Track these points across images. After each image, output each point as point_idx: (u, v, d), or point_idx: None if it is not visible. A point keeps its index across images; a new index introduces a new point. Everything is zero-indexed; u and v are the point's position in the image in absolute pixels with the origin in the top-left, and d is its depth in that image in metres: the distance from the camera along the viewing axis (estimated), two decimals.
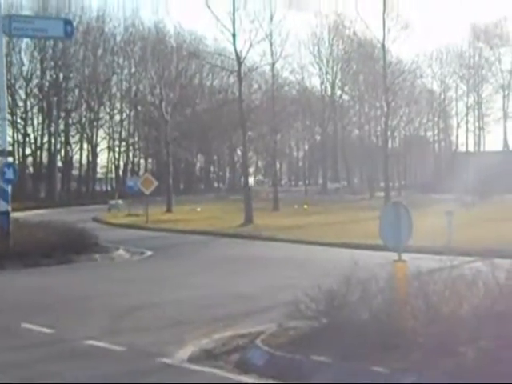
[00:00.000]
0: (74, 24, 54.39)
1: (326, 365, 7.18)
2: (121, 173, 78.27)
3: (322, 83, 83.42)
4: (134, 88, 76.77)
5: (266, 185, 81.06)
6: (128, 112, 78.97)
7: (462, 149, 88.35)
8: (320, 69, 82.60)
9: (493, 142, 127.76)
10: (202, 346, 8.81)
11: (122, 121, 78.44)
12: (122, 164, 79.89)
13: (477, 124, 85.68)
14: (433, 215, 22.60)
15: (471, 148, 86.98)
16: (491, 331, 6.74)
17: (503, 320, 6.76)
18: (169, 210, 45.56)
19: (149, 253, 21.62)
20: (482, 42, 77.49)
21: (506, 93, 76.69)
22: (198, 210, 45.06)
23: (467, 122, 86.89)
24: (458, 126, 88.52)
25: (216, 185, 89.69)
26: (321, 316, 8.31)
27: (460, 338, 6.85)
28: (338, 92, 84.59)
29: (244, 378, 7.41)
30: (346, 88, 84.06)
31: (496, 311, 6.90)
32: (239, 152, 70.35)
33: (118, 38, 75.54)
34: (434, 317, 7.24)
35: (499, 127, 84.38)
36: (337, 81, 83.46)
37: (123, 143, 79.54)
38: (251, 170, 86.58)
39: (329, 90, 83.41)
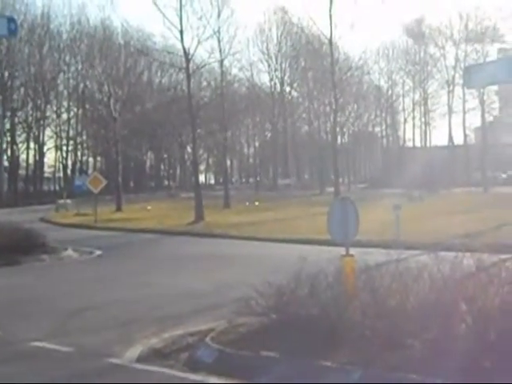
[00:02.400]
0: (19, 22, 53.51)
1: (275, 360, 7.20)
2: (69, 172, 77.23)
3: (271, 80, 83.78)
4: (81, 86, 75.76)
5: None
6: (76, 110, 77.90)
7: (409, 144, 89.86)
8: (269, 65, 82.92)
9: (438, 137, 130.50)
10: (151, 345, 8.76)
11: (69, 119, 77.38)
12: (70, 163, 78.87)
13: (423, 119, 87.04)
14: (381, 209, 22.93)
15: (418, 143, 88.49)
16: (437, 323, 6.86)
17: (448, 311, 6.88)
18: (118, 209, 45.10)
19: (98, 252, 21.38)
20: (426, 38, 78.69)
21: (451, 88, 77.99)
22: (149, 208, 44.73)
23: (414, 118, 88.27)
24: (405, 121, 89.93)
25: (166, 183, 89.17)
26: (270, 312, 8.34)
27: (407, 331, 6.94)
28: (287, 88, 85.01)
29: (193, 377, 7.37)
30: (295, 85, 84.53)
31: (441, 303, 7.01)
32: (189, 149, 70.02)
33: (64, 36, 74.57)
34: (381, 310, 7.32)
35: (444, 122, 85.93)
36: (286, 77, 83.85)
37: (71, 142, 78.47)
38: (202, 167, 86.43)
39: (278, 86, 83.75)
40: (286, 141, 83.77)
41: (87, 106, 74.27)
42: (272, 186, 79.81)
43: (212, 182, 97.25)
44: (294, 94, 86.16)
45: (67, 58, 75.57)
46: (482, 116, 70.62)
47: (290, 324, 7.85)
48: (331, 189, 55.63)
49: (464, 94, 73.60)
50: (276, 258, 17.70)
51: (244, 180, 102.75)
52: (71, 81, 77.03)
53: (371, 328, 7.15)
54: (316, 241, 19.76)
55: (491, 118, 79.28)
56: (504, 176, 68.20)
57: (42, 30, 72.46)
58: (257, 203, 45.81)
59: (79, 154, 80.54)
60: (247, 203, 46.38)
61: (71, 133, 77.86)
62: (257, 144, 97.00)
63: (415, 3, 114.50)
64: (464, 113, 74.98)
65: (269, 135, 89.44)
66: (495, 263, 7.82)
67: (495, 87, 66.52)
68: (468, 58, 70.20)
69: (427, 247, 10.33)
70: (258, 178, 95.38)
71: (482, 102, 69.08)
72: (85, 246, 22.66)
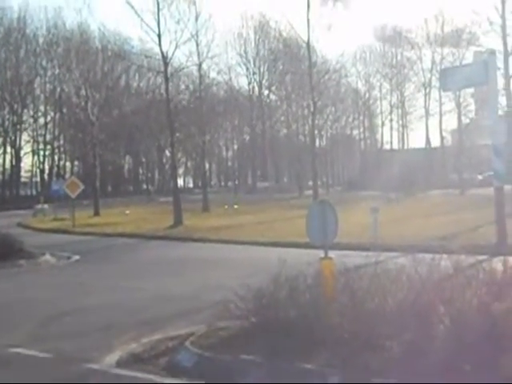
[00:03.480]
0: None
1: (255, 364, 7.20)
2: (46, 176, 76.69)
3: (249, 83, 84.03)
4: (58, 90, 75.32)
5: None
6: (53, 114, 77.44)
7: (387, 146, 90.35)
8: (247, 69, 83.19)
9: (416, 140, 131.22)
10: (130, 350, 8.71)
11: (46, 123, 76.88)
12: (47, 167, 78.38)
13: (400, 122, 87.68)
14: (359, 212, 23.00)
15: (395, 145, 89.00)
16: (415, 324, 6.89)
17: (426, 313, 6.92)
18: (96, 214, 44.85)
19: (76, 257, 21.26)
20: (404, 42, 79.15)
21: (427, 91, 78.57)
22: (127, 212, 44.52)
23: (391, 120, 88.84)
24: (383, 124, 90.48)
25: (145, 187, 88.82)
26: (250, 315, 8.33)
27: (385, 333, 6.97)
28: (266, 92, 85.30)
29: (173, 381, 7.35)
30: (273, 88, 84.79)
31: (419, 305, 7.05)
32: (168, 153, 69.85)
33: (41, 40, 74.16)
34: (359, 312, 7.34)
35: (421, 125, 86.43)
36: (264, 81, 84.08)
37: (48, 146, 77.98)
38: (180, 171, 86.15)
39: (256, 89, 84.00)
40: (265, 144, 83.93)
41: (64, 110, 73.81)
42: (251, 189, 79.84)
43: (191, 185, 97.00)
44: (273, 97, 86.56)
45: (44, 62, 75.19)
46: (459, 118, 71.09)
47: (269, 327, 7.85)
48: (310, 191, 55.75)
49: (440, 97, 74.11)
50: (256, 261, 17.69)
51: (223, 183, 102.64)
52: (48, 85, 76.61)
53: (350, 330, 7.18)
54: (295, 244, 19.78)
55: (467, 121, 79.89)
56: (480, 177, 68.67)
57: (19, 34, 72.11)
58: (236, 206, 45.77)
59: (56, 158, 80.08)
60: (226, 206, 46.32)
61: (48, 137, 77.39)
62: (235, 147, 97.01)
63: (392, 7, 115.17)
64: (441, 115, 75.50)
65: (247, 138, 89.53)
66: (472, 264, 7.88)
67: (471, 90, 67.01)
68: (444, 60, 70.56)
69: (405, 249, 10.38)
70: (237, 182, 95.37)
71: (458, 105, 69.55)
72: (62, 251, 22.50)
